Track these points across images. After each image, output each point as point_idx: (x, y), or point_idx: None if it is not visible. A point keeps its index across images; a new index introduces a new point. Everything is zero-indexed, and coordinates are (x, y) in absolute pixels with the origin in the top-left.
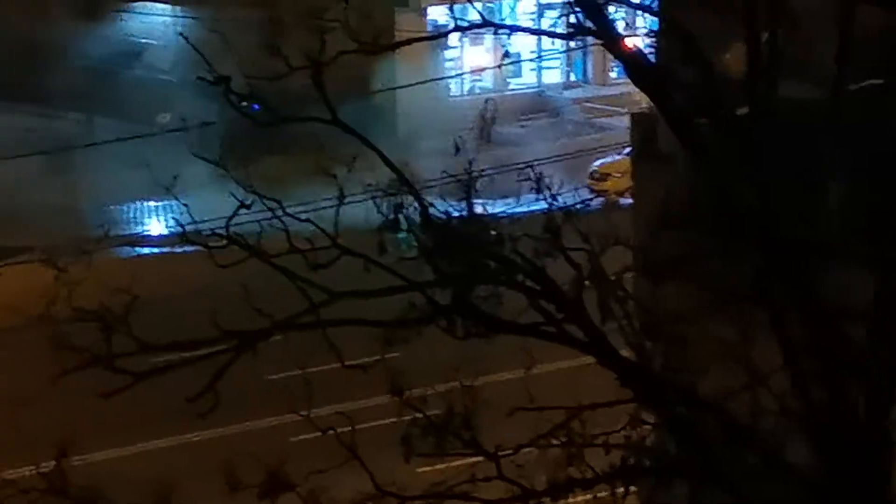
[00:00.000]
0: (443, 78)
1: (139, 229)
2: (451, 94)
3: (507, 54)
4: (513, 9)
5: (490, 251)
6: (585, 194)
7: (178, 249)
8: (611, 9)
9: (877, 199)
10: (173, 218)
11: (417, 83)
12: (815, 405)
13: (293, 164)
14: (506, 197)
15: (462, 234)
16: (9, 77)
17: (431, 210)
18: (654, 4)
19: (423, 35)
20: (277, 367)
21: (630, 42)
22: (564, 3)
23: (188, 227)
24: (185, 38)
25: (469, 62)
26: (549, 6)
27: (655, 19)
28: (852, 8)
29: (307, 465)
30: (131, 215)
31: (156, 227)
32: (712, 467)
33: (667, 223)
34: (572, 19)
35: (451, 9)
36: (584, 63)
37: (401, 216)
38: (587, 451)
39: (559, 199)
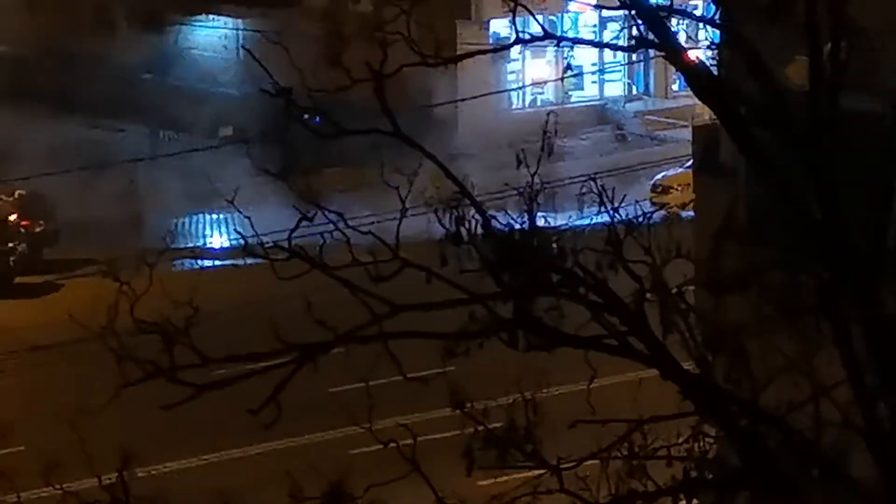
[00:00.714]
0: (504, 90)
1: (201, 242)
2: (513, 106)
3: (569, 67)
4: (574, 21)
5: (552, 264)
6: (647, 207)
7: (240, 262)
8: (673, 21)
9: None
10: (235, 230)
11: (479, 96)
12: (879, 419)
13: (354, 177)
14: (568, 209)
15: (524, 247)
16: (72, 90)
17: (493, 222)
18: (717, 17)
19: (485, 47)
20: (338, 380)
21: (692, 54)
22: (626, 16)
23: (250, 240)
24: (248, 51)
25: (531, 75)
26: (611, 19)
27: (718, 31)
28: None
29: (368, 478)
30: (193, 228)
31: (217, 239)
32: (775, 480)
33: (729, 236)
34: (634, 32)
35: (512, 21)
36: (646, 76)
37: (462, 228)
38: (649, 464)
39: (621, 211)
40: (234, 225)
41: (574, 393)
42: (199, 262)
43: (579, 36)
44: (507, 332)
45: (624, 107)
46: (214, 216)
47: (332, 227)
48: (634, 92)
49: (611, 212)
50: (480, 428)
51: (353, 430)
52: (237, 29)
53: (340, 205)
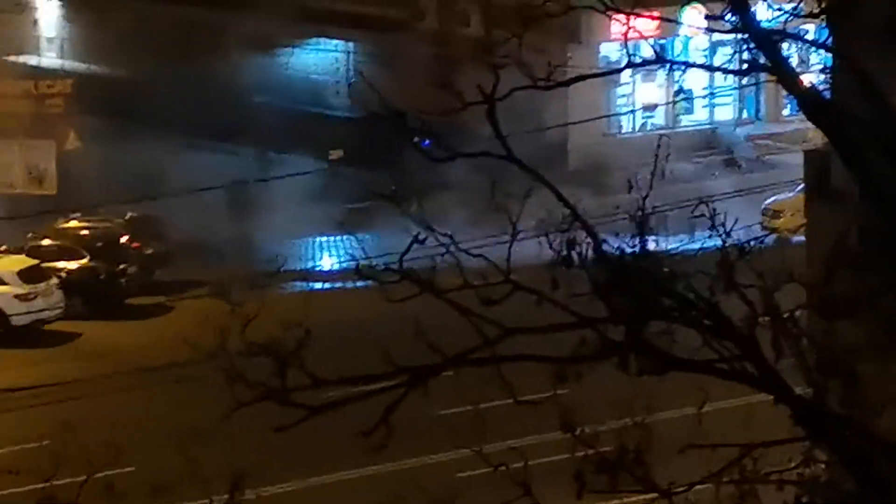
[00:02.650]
0: (615, 115)
1: (311, 264)
2: (623, 130)
3: (680, 90)
4: (685, 45)
5: (663, 287)
6: (758, 231)
7: (350, 284)
8: (785, 45)
9: None
10: (346, 253)
11: (589, 119)
12: None
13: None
14: (679, 233)
15: (635, 271)
16: (183, 112)
17: (604, 246)
18: (829, 40)
19: (596, 71)
20: (447, 403)
21: (805, 78)
22: (738, 40)
23: (361, 262)
24: (360, 74)
25: (641, 99)
26: (722, 43)
27: (830, 55)
28: None
29: (478, 502)
30: (303, 250)
31: (327, 261)
32: None
33: (841, 260)
34: (746, 55)
35: (625, 45)
36: (757, 100)
37: (573, 252)
38: (760, 489)
39: (732, 235)
40: (345, 247)
41: (685, 417)
42: (310, 284)
43: (690, 60)
44: (619, 355)
45: (735, 131)
46: (324, 238)
47: (442, 249)
48: (745, 116)
49: (722, 236)
50: (591, 451)
51: (462, 453)
52: (348, 52)
53: (451, 228)
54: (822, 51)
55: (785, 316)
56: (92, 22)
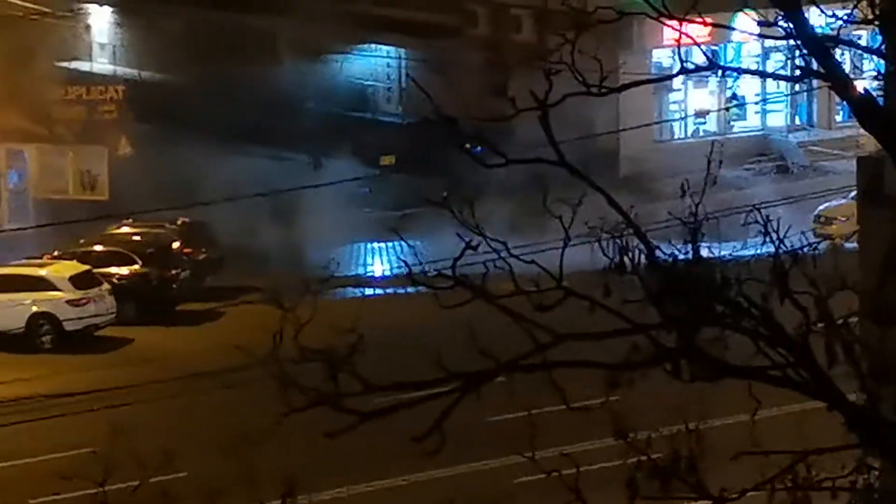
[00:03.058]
0: (666, 121)
1: (362, 270)
2: (675, 136)
3: (734, 97)
4: (738, 51)
5: (716, 294)
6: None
7: (402, 290)
8: (838, 51)
9: None
10: (398, 258)
11: (641, 125)
12: None
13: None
14: (731, 240)
15: (688, 277)
16: (234, 118)
17: (657, 252)
18: (883, 46)
19: (649, 77)
20: (499, 409)
21: (858, 84)
22: (791, 46)
23: (414, 268)
24: (413, 79)
25: (693, 105)
26: (775, 49)
27: (883, 61)
28: None
29: None
30: (354, 256)
31: (378, 267)
32: None
33: (894, 267)
34: (799, 62)
35: (677, 51)
36: (810, 106)
37: (626, 258)
38: (813, 495)
39: (785, 242)
40: (396, 253)
41: (737, 424)
42: (361, 290)
43: (743, 66)
44: (671, 362)
45: (787, 137)
46: (376, 244)
47: (495, 256)
48: (797, 122)
49: (775, 242)
50: (644, 458)
51: (514, 459)
52: (400, 58)
53: (503, 233)
54: (875, 57)
55: (838, 323)
56: (144, 28)
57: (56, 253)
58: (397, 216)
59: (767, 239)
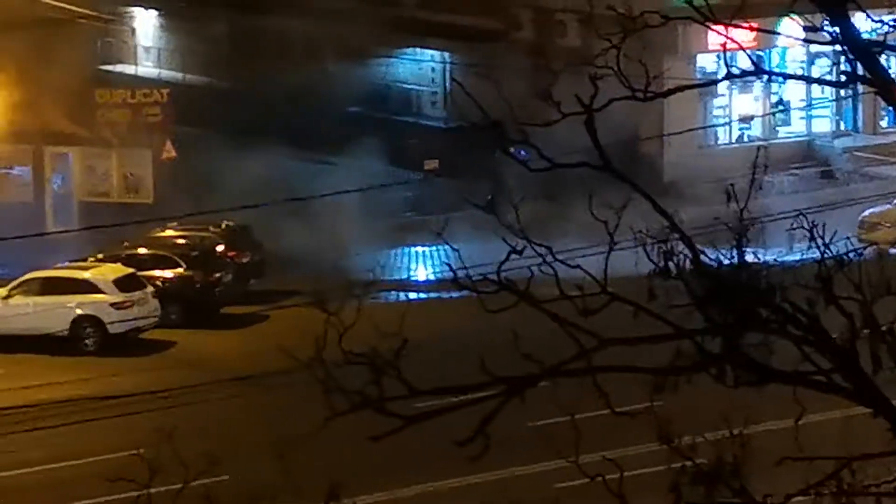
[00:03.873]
0: (711, 126)
1: (406, 274)
2: (719, 142)
3: (779, 102)
4: (782, 56)
5: (761, 299)
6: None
7: (446, 294)
8: (884, 56)
9: None
10: (443, 262)
11: (686, 130)
12: None
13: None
14: (776, 245)
15: (733, 282)
16: (279, 122)
17: (702, 257)
18: None
19: (694, 82)
20: (542, 413)
21: None
22: (836, 51)
23: (458, 272)
24: (458, 83)
25: (737, 110)
26: (820, 54)
27: None
28: None
29: None
30: (398, 260)
31: (422, 272)
32: None
33: None
34: (844, 67)
35: (723, 56)
36: (855, 112)
37: (671, 263)
38: (858, 501)
39: (830, 247)
40: (440, 257)
41: (782, 429)
42: (405, 294)
43: (788, 71)
44: (716, 367)
45: (832, 143)
46: (419, 248)
47: (539, 260)
48: (843, 128)
49: (820, 248)
50: (688, 463)
51: (558, 463)
52: (444, 62)
53: (547, 238)
54: None
55: (883, 328)
56: (188, 32)
57: (100, 256)
58: (441, 220)
59: (812, 244)
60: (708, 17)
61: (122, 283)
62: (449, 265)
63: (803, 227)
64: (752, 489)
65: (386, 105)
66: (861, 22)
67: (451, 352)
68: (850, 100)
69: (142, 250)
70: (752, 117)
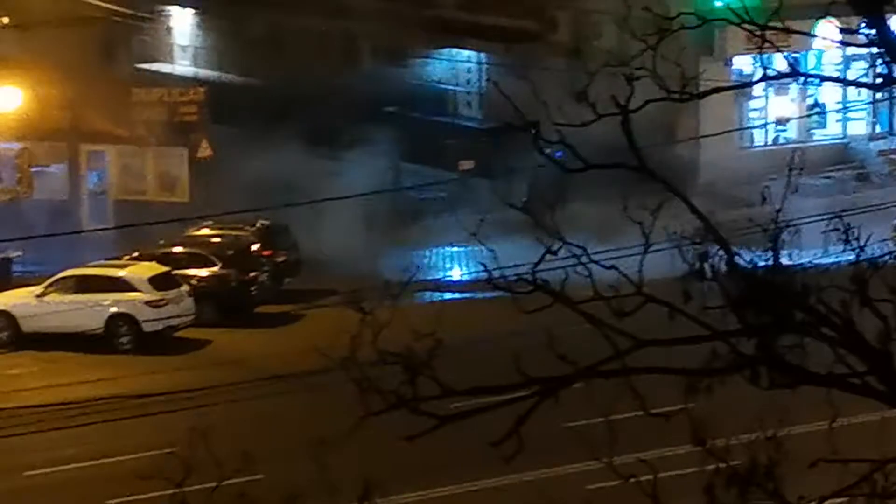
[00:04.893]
0: (747, 128)
1: (441, 274)
2: (755, 143)
3: (815, 104)
4: (818, 59)
5: (796, 301)
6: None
7: (481, 295)
8: None
9: None
10: (479, 263)
11: (721, 132)
12: None
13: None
14: (811, 247)
15: (768, 284)
16: (315, 121)
17: (737, 259)
18: None
19: (730, 84)
20: (575, 414)
21: None
22: (873, 54)
23: (493, 273)
24: (496, 84)
25: (773, 112)
26: (856, 57)
27: None
28: None
29: None
30: (433, 260)
31: (457, 272)
32: None
33: None
34: (880, 69)
35: (760, 58)
36: (891, 114)
37: (706, 265)
38: None
39: (866, 250)
40: (475, 258)
41: (816, 432)
42: (440, 294)
43: (824, 73)
44: (750, 368)
45: (867, 145)
46: (455, 249)
47: (574, 261)
48: (878, 130)
49: (856, 250)
50: (722, 465)
51: (592, 464)
52: (480, 63)
53: (584, 239)
54: None
55: None
56: (225, 31)
57: (136, 254)
58: (476, 221)
59: (847, 247)
60: (744, 18)
61: (158, 282)
62: (484, 265)
63: (838, 230)
64: (785, 491)
65: (422, 105)
66: None
67: (486, 352)
68: (886, 102)
69: (177, 249)
70: (787, 119)
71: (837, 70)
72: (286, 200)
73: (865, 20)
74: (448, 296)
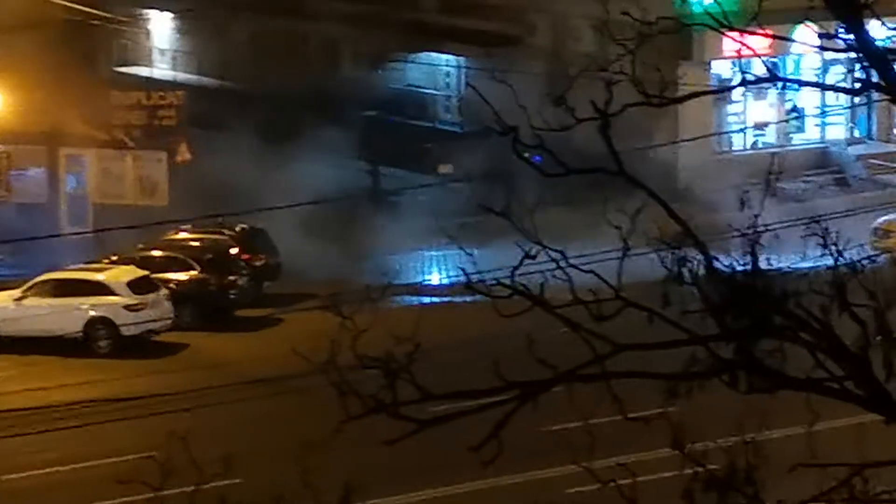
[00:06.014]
0: (725, 132)
1: (421, 278)
2: (733, 148)
3: (793, 109)
4: (797, 64)
5: (775, 306)
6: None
7: (459, 299)
8: None
9: None
10: (459, 267)
11: (700, 137)
12: None
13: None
14: (790, 252)
15: (747, 289)
16: (294, 125)
17: (716, 263)
18: None
19: (709, 89)
20: (556, 418)
21: None
22: (851, 59)
23: (472, 277)
24: (474, 88)
25: (752, 117)
26: (835, 61)
27: None
28: None
29: None
30: (412, 264)
31: (436, 276)
32: None
33: None
34: (859, 74)
35: (738, 63)
36: (869, 119)
37: (685, 269)
38: None
39: (844, 255)
40: (454, 262)
41: (795, 436)
42: (419, 298)
43: (802, 78)
44: (729, 373)
45: (846, 150)
46: (433, 253)
47: (553, 265)
48: (857, 135)
49: (834, 255)
50: (701, 469)
51: (571, 468)
52: (458, 67)
53: (562, 243)
54: None
55: None
56: (204, 34)
57: (114, 258)
58: (455, 225)
59: (826, 251)
60: (723, 23)
61: (136, 286)
62: (463, 270)
63: (817, 234)
64: (764, 495)
65: (401, 109)
66: (876, 29)
67: (465, 356)
68: (864, 107)
69: (156, 252)
70: (766, 124)
71: (816, 75)
72: (265, 204)
73: (844, 25)
74: (427, 300)
